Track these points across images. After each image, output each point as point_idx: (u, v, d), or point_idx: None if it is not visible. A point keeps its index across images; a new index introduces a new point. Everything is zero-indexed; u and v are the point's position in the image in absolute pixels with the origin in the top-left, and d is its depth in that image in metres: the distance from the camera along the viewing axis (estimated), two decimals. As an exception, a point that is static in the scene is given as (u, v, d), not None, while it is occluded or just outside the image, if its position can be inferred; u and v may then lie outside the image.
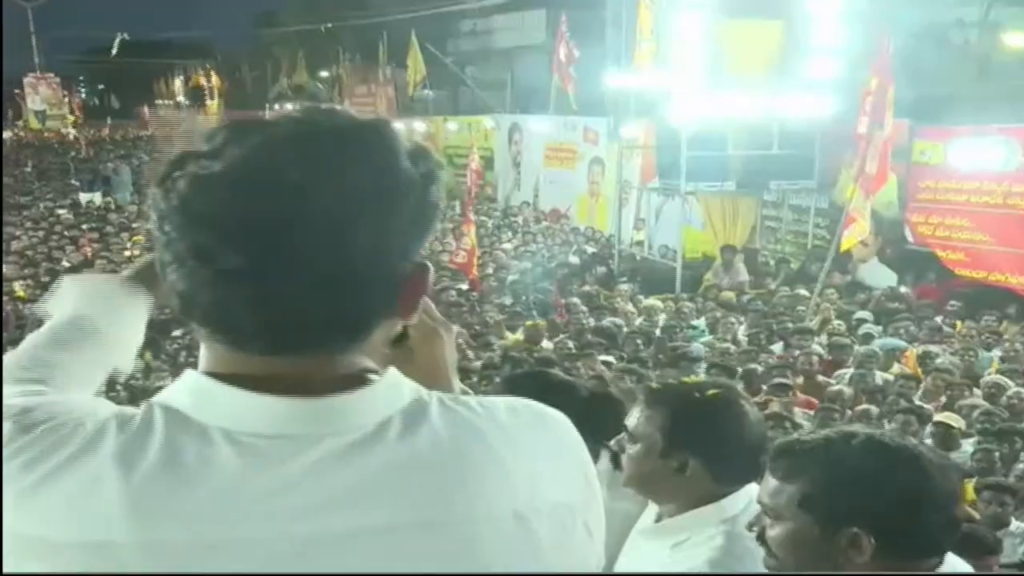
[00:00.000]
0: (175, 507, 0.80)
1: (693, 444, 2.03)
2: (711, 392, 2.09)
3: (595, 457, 1.48)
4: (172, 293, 0.87)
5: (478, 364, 9.15)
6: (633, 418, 2.13)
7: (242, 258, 0.81)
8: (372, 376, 0.91)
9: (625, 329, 10.85)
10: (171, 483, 0.80)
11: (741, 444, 2.05)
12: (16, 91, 69.19)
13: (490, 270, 15.59)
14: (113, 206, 24.57)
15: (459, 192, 21.30)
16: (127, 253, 18.02)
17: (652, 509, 2.23)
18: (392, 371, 0.93)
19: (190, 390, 0.87)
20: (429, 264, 0.95)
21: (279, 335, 0.85)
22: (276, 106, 49.98)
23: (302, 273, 0.82)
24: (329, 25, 40.09)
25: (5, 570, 0.76)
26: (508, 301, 13.28)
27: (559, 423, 1.00)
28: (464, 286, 14.07)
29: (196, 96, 70.28)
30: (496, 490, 0.88)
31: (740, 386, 6.15)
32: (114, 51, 66.75)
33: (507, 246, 18.31)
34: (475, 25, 35.62)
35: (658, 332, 10.63)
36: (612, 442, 2.21)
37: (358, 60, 39.29)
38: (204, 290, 0.84)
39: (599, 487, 1.03)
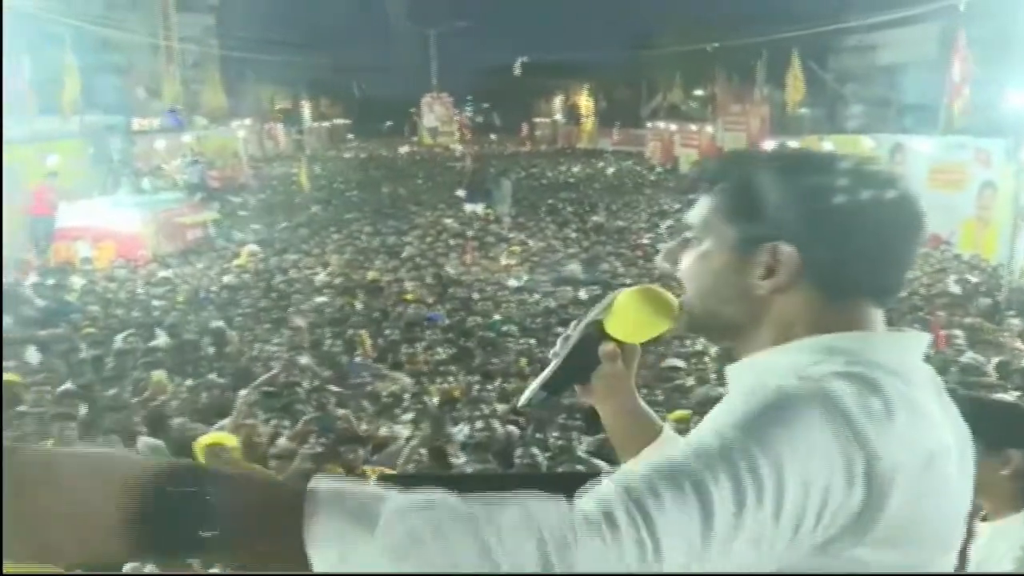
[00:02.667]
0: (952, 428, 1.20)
1: None
2: None
3: None
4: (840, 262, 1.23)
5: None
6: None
7: (912, 240, 1.27)
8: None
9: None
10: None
11: None
12: (412, 109, 76.71)
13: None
14: (492, 217, 26.39)
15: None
16: (504, 262, 19.32)
17: None
18: None
19: (886, 347, 1.22)
20: None
21: (892, 283, 1.27)
22: (649, 124, 51.16)
23: (907, 240, 1.27)
24: (716, 45, 40.20)
25: None
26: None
27: None
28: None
29: (572, 114, 73.59)
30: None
31: None
32: (513, 72, 71.55)
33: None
34: (859, 41, 34.22)
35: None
36: None
37: (734, 79, 39.16)
38: (876, 259, 1.24)
39: None
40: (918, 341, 1.23)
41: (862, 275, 1.22)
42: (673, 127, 45.48)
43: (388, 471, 6.24)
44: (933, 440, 1.11)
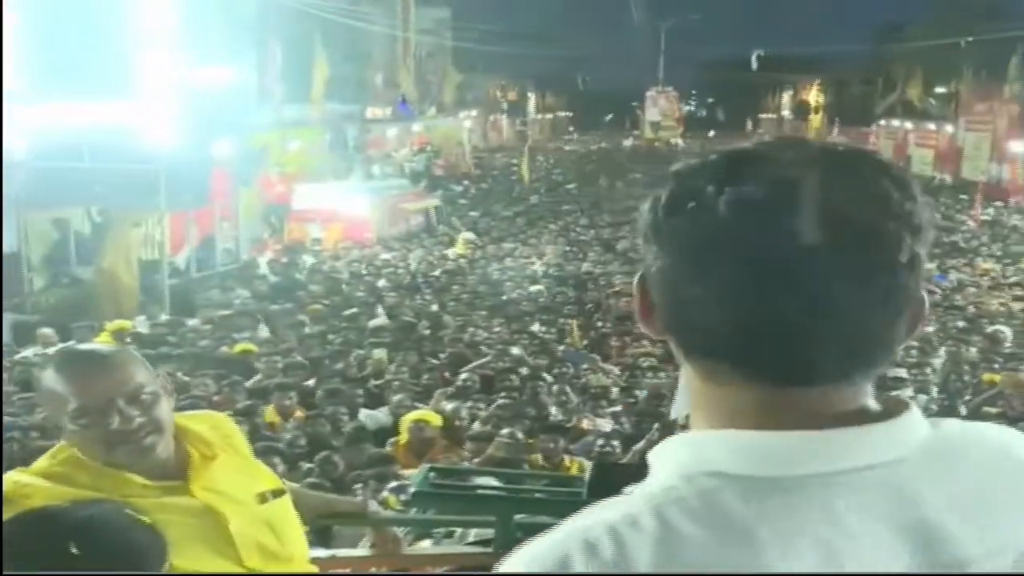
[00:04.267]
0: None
1: None
2: None
3: None
4: (686, 328, 0.85)
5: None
6: None
7: (757, 283, 0.79)
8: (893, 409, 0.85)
9: None
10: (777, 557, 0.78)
11: None
12: (634, 103, 76.32)
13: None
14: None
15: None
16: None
17: None
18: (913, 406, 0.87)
19: (709, 448, 0.84)
20: (925, 296, 0.86)
21: (797, 365, 0.81)
22: (882, 121, 48.61)
23: (822, 304, 0.78)
24: (969, 39, 37.57)
25: None
26: None
27: None
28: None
29: (801, 111, 71.09)
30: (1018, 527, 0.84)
31: None
32: (741, 66, 69.91)
33: None
34: None
35: None
36: None
37: (983, 76, 36.53)
38: (723, 320, 0.80)
39: None
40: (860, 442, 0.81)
41: (716, 337, 0.82)
42: (908, 125, 43.04)
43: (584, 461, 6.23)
44: None
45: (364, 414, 7.89)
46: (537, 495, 2.97)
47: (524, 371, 9.69)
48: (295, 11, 24.97)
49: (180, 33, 13.88)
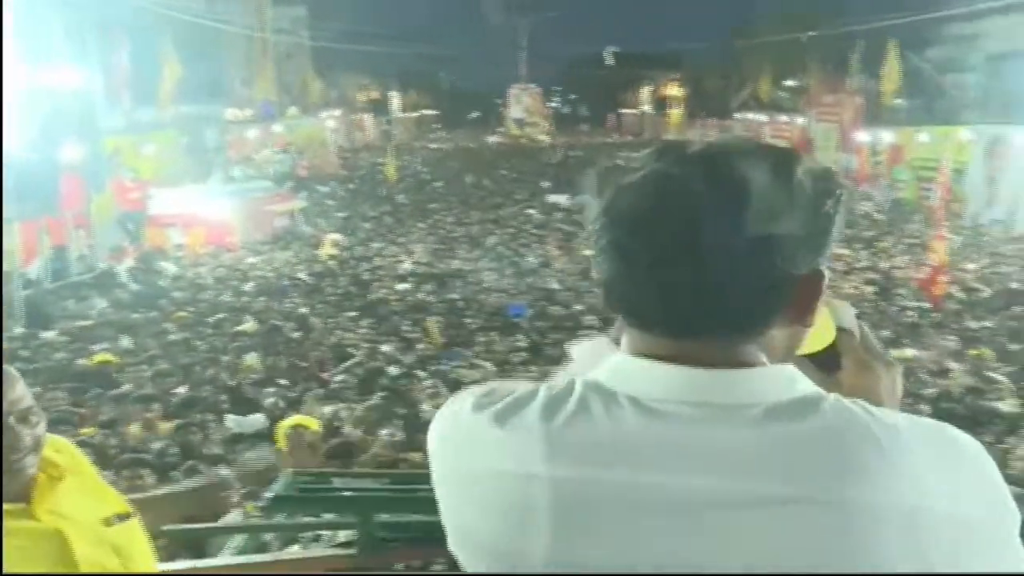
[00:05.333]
0: (583, 452, 0.94)
1: None
2: None
3: None
4: (600, 284, 1.02)
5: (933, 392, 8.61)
6: None
7: (648, 253, 0.95)
8: (764, 362, 0.98)
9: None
10: (583, 432, 0.95)
11: None
12: (499, 101, 76.86)
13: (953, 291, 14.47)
14: (576, 207, 26.32)
15: (920, 207, 19.88)
16: (586, 252, 19.21)
17: None
18: (790, 365, 0.99)
19: (608, 366, 1.01)
20: (824, 272, 0.99)
21: (678, 320, 0.97)
22: (737, 115, 50.35)
23: (697, 268, 0.93)
24: (812, 34, 39.36)
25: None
26: (973, 325, 12.26)
27: (965, 442, 0.96)
28: (926, 304, 13.23)
29: (660, 106, 72.87)
30: (882, 484, 0.89)
31: None
32: (601, 63, 71.22)
33: (971, 267, 16.83)
34: (961, 30, 33.09)
35: None
36: None
37: (828, 70, 38.28)
38: (619, 280, 0.98)
39: (1011, 516, 0.96)
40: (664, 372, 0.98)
41: (616, 298, 1.01)
42: (763, 118, 44.69)
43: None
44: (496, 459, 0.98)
45: (232, 420, 7.70)
46: (402, 494, 2.94)
47: (394, 370, 9.64)
48: (144, 11, 24.15)
49: (16, 32, 13.20)
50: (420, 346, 11.18)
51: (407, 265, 17.83)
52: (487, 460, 0.99)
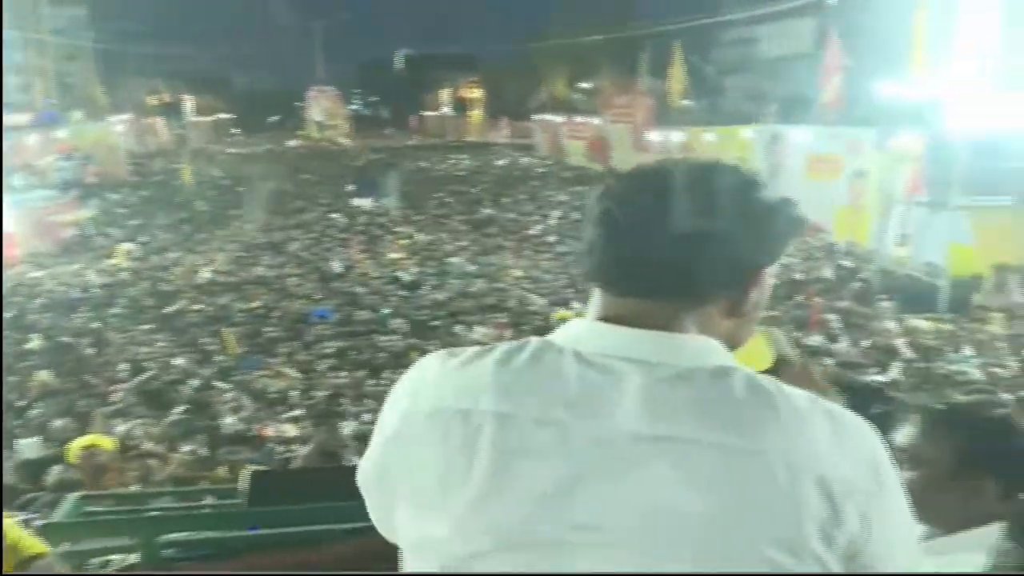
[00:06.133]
0: (525, 392, 1.13)
1: (991, 464, 1.94)
2: (1003, 411, 2.04)
3: None
4: (583, 257, 1.24)
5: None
6: (913, 440, 2.01)
7: (628, 220, 1.18)
8: (696, 335, 1.18)
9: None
10: (528, 377, 1.14)
11: None
12: (297, 103, 75.33)
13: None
14: (381, 211, 26.16)
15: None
16: (392, 256, 19.16)
17: None
18: (715, 340, 1.19)
19: (564, 329, 1.22)
20: (766, 273, 1.23)
21: (636, 279, 1.18)
22: (536, 116, 51.40)
23: (661, 238, 1.16)
24: (599, 38, 40.68)
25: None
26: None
27: (854, 421, 1.13)
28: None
29: (460, 107, 73.42)
30: (775, 442, 1.07)
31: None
32: (400, 65, 70.85)
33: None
34: (740, 34, 35.07)
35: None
36: None
37: (621, 72, 39.70)
38: (600, 245, 1.19)
39: (897, 491, 1.14)
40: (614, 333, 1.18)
41: (591, 254, 1.23)
42: (560, 119, 45.79)
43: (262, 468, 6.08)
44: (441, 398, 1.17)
45: (24, 444, 7.22)
46: (194, 511, 2.84)
47: (194, 383, 9.31)
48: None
49: None
50: (219, 357, 10.84)
51: (206, 274, 17.22)
52: (445, 400, 1.16)
